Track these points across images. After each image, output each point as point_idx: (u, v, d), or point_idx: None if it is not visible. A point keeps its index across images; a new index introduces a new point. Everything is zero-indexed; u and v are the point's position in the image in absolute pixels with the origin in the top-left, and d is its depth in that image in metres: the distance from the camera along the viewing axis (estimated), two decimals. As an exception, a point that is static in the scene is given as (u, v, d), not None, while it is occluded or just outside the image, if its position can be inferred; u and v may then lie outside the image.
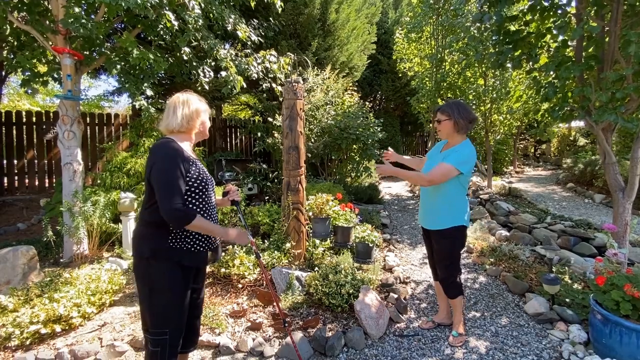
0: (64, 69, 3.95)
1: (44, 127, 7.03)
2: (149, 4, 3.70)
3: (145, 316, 1.83)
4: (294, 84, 3.72)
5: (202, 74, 5.07)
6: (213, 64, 5.18)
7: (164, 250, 1.76)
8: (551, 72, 3.27)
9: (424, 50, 8.24)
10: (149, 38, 4.73)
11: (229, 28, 5.00)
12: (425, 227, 2.70)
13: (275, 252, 3.69)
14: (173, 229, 1.78)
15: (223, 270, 3.46)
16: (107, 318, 2.95)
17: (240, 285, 3.42)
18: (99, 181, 4.92)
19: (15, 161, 6.82)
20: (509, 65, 3.79)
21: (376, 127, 6.43)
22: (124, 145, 6.83)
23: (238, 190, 2.23)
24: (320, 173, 6.93)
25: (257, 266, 3.51)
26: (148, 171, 1.74)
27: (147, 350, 1.82)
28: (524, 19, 3.55)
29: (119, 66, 4.22)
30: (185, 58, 4.83)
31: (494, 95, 6.80)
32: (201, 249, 1.86)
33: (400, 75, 10.10)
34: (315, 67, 7.07)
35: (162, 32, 4.45)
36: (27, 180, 6.97)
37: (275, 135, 6.46)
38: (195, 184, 1.81)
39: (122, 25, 5.60)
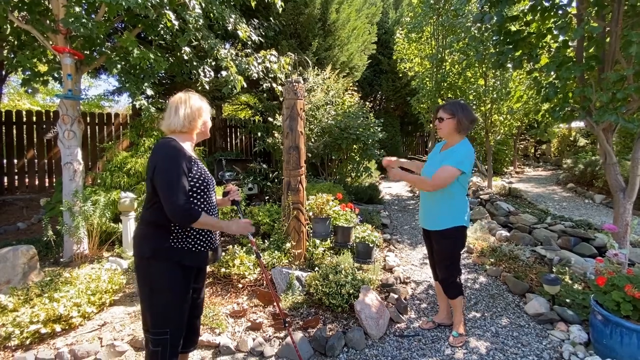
0: (64, 68, 3.95)
1: (44, 126, 7.04)
2: (149, 4, 3.70)
3: (146, 316, 1.83)
4: (294, 83, 3.72)
5: (202, 74, 5.06)
6: (213, 63, 5.18)
7: (164, 250, 1.76)
8: (552, 73, 3.27)
9: (425, 50, 8.23)
10: (150, 38, 4.72)
11: (229, 28, 5.00)
12: (425, 227, 2.70)
13: (276, 252, 3.69)
14: (174, 229, 1.78)
15: (223, 270, 3.46)
16: (107, 318, 2.95)
17: (240, 285, 3.42)
18: (99, 181, 4.91)
19: (16, 160, 6.82)
20: (509, 65, 3.80)
21: (376, 127, 6.44)
22: (124, 144, 6.82)
23: (238, 190, 2.23)
24: (321, 173, 6.93)
25: (258, 266, 3.51)
26: (150, 171, 1.74)
27: (148, 350, 1.82)
28: (525, 19, 3.55)
29: (119, 66, 4.22)
30: (185, 58, 4.83)
31: (495, 96, 6.80)
32: (202, 248, 1.86)
33: (400, 75, 10.09)
34: (316, 67, 7.07)
35: (162, 31, 4.44)
36: (27, 180, 6.97)
37: (276, 135, 6.45)
38: (197, 184, 1.81)
39: (123, 25, 5.59)
